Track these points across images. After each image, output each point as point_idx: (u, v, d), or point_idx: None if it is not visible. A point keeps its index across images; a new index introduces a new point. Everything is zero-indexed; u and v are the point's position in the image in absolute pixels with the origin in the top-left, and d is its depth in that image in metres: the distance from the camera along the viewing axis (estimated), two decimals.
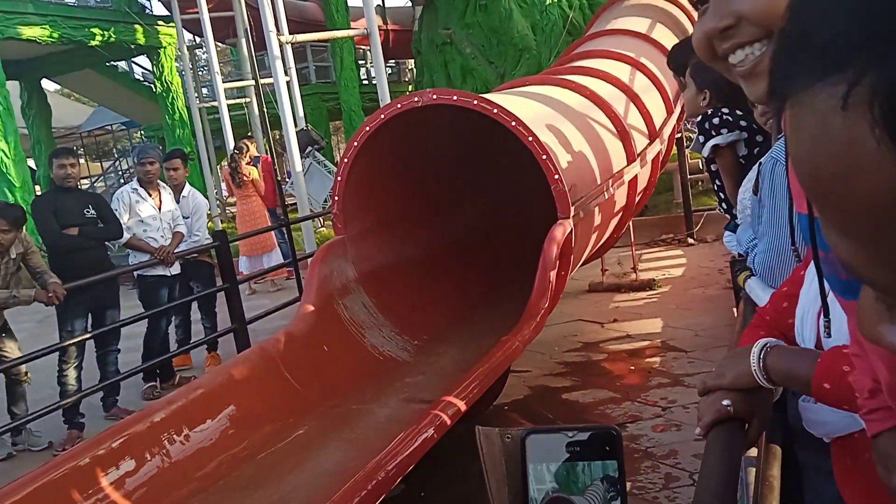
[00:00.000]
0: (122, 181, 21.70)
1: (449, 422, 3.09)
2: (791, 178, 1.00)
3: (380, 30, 10.11)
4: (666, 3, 8.60)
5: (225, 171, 10.08)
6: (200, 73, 19.06)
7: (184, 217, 6.34)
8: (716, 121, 2.99)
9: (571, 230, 4.25)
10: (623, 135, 5.59)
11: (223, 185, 14.38)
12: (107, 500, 3.13)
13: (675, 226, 9.21)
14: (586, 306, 6.86)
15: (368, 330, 4.68)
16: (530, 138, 4.18)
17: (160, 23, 15.81)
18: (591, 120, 5.43)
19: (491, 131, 4.41)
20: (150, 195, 6.08)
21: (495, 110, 4.22)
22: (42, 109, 16.96)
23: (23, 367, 5.16)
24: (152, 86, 17.32)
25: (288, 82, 9.83)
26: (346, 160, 4.65)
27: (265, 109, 7.61)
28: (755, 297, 1.91)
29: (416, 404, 3.95)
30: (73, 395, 5.16)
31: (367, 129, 4.56)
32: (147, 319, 5.88)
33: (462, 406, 3.24)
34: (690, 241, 8.87)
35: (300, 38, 9.51)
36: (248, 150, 9.55)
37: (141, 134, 22.03)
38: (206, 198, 8.55)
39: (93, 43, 14.16)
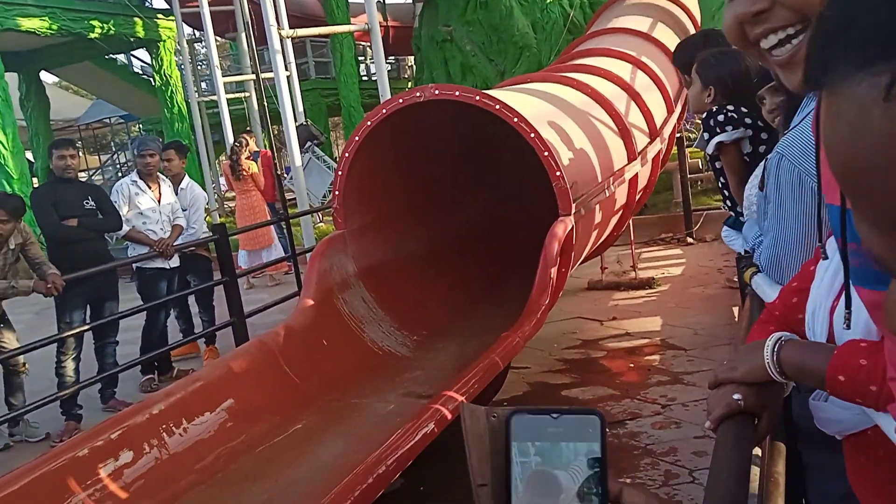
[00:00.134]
0: (119, 174, 21.66)
1: (449, 416, 3.08)
2: (822, 168, 0.98)
3: (380, 26, 10.09)
4: (667, 2, 8.59)
5: (225, 165, 10.06)
6: (200, 66, 19.03)
7: (182, 209, 6.33)
8: (721, 118, 2.98)
9: (573, 227, 4.24)
10: (624, 133, 5.59)
11: (222, 180, 14.34)
12: (104, 491, 3.12)
13: (674, 225, 9.22)
14: (586, 304, 6.86)
15: (368, 325, 4.68)
16: (532, 135, 4.16)
17: (160, 16, 15.76)
18: (592, 118, 5.42)
19: (492, 127, 4.40)
20: (150, 187, 6.06)
21: (497, 106, 4.21)
22: (40, 101, 16.91)
23: (21, 358, 5.16)
24: (151, 79, 17.27)
25: (288, 77, 9.82)
26: (347, 155, 4.63)
27: (265, 104, 7.61)
28: (762, 294, 1.90)
29: (415, 399, 3.95)
30: (70, 387, 5.15)
31: (369, 123, 4.54)
32: (145, 312, 5.87)
33: (462, 401, 3.23)
34: (690, 240, 8.88)
35: (301, 32, 9.51)
36: (247, 144, 9.54)
37: (139, 127, 21.96)
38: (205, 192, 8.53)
39: (92, 35, 14.09)
